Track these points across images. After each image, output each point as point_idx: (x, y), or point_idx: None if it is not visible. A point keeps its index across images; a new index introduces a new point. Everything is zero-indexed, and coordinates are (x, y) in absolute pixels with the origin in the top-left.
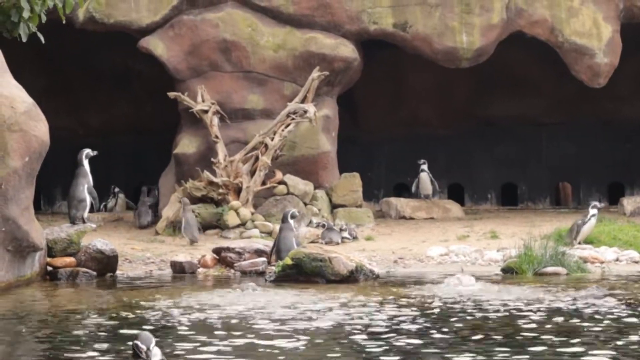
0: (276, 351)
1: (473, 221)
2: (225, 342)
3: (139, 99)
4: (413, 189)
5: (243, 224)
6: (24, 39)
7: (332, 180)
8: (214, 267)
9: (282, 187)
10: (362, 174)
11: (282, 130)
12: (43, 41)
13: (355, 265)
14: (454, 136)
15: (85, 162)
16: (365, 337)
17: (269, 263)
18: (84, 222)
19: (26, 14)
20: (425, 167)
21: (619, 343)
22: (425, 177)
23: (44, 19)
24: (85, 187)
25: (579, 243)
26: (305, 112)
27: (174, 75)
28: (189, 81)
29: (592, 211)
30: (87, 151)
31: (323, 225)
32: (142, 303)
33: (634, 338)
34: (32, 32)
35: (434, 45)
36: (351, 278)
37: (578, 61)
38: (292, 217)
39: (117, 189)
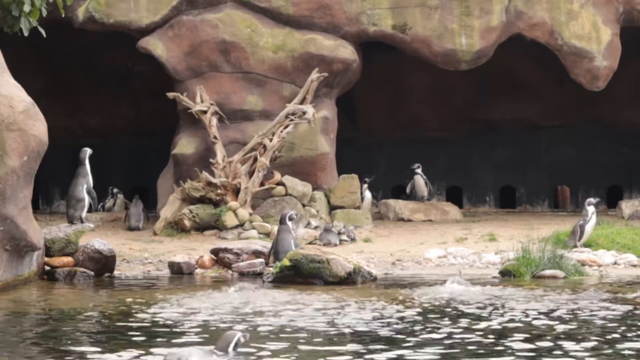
0: (273, 352)
1: (471, 224)
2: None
3: (138, 99)
4: (408, 190)
5: (241, 225)
6: (26, 34)
7: (330, 181)
8: (211, 267)
9: (280, 188)
10: (361, 176)
11: (281, 132)
12: (44, 35)
13: (353, 267)
14: (453, 139)
15: (87, 162)
16: (359, 339)
17: (267, 264)
18: (82, 221)
19: (27, 8)
20: (419, 170)
21: (615, 346)
22: (419, 180)
23: (44, 12)
24: (84, 187)
25: (582, 245)
26: (304, 113)
27: (173, 76)
28: (188, 82)
29: (591, 209)
30: (90, 151)
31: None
32: (139, 303)
33: (629, 342)
34: (33, 26)
35: (433, 47)
36: (349, 280)
37: (577, 64)
38: (290, 219)
39: (115, 190)
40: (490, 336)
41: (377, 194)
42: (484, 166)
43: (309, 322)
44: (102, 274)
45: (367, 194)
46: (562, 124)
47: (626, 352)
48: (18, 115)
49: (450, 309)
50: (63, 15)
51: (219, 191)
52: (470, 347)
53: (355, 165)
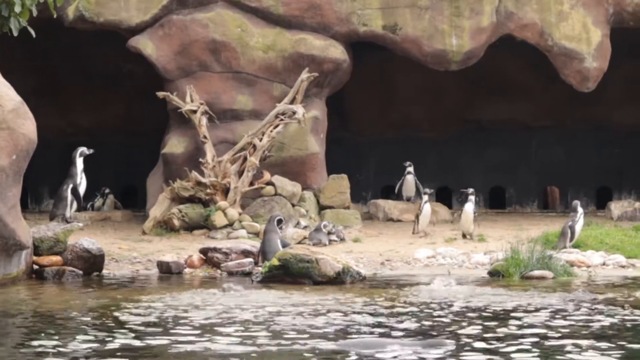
0: (258, 350)
1: None
2: (213, 340)
3: (128, 98)
4: (396, 189)
5: (230, 225)
6: (15, 34)
7: (320, 181)
8: (200, 267)
9: (269, 188)
10: (351, 176)
11: (271, 131)
12: (34, 35)
13: (342, 266)
14: (444, 139)
15: (78, 161)
16: (343, 337)
17: (256, 264)
18: (66, 220)
19: (17, 8)
20: (411, 169)
21: (604, 346)
22: (410, 180)
23: (35, 12)
24: (69, 186)
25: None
26: (294, 113)
27: (163, 75)
28: (178, 81)
29: (580, 210)
30: (82, 149)
31: (325, 226)
32: (127, 302)
33: (612, 343)
34: (22, 26)
35: (423, 47)
36: (338, 279)
37: (567, 65)
38: (278, 223)
39: (107, 190)
40: (475, 335)
41: (367, 194)
42: (474, 167)
43: (286, 321)
44: (90, 273)
45: (468, 206)
46: (553, 124)
47: (610, 353)
48: (7, 114)
49: (436, 309)
50: (55, 16)
51: (208, 191)
52: (454, 346)
53: (345, 165)
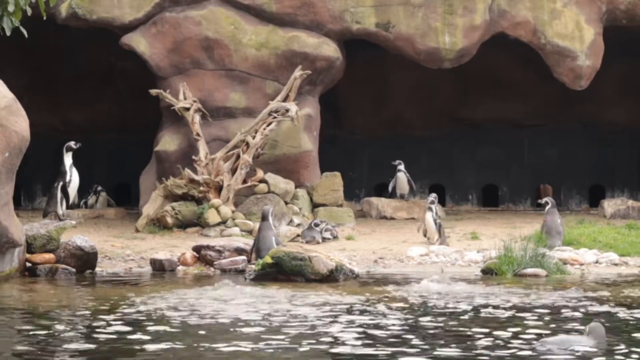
0: (250, 350)
1: (454, 222)
2: (204, 338)
3: (121, 96)
4: (390, 188)
5: (223, 222)
6: (8, 33)
7: (313, 179)
8: (193, 265)
9: (263, 186)
10: (344, 174)
11: (264, 129)
12: (26, 35)
13: (335, 264)
14: (436, 137)
15: (66, 156)
16: (339, 336)
17: (249, 261)
18: (59, 218)
19: (11, 8)
20: (402, 167)
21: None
22: (402, 177)
23: (29, 11)
24: (59, 183)
25: None
26: (287, 110)
27: (156, 73)
28: (171, 79)
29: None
30: (68, 144)
31: (317, 224)
32: (120, 300)
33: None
34: (15, 26)
35: (416, 45)
36: (331, 277)
37: (560, 63)
38: (271, 215)
39: (99, 187)
40: (463, 333)
41: (360, 192)
42: (466, 165)
43: (278, 320)
44: (83, 271)
45: (428, 215)
46: (545, 123)
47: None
48: (0, 112)
49: (429, 307)
50: (44, 18)
51: (201, 188)
52: (442, 345)
53: (338, 163)
